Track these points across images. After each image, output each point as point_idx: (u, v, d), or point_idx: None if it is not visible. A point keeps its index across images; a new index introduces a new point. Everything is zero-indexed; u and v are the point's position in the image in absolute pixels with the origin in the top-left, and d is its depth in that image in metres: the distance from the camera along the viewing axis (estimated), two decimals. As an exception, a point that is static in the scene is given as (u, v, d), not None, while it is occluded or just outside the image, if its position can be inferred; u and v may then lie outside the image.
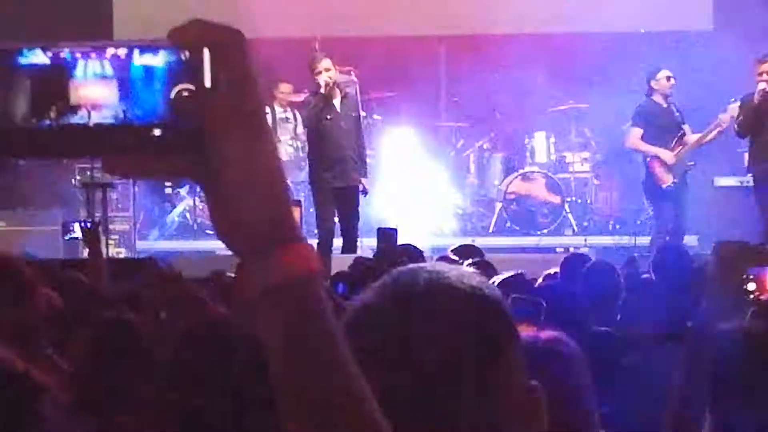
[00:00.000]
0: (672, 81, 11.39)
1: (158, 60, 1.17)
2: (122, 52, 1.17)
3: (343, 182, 10.44)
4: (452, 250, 7.58)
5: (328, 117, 10.32)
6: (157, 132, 1.15)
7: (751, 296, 2.81)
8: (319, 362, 1.18)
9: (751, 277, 2.80)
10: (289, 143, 13.04)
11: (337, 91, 10.46)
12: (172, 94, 1.15)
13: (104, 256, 7.48)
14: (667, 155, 11.26)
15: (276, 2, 14.28)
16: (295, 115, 13.20)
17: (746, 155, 11.04)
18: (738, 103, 10.83)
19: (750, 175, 11.05)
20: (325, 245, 10.22)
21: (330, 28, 13.36)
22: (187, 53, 1.16)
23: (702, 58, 12.82)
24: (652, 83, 11.42)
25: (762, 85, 10.48)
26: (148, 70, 1.16)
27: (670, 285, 5.97)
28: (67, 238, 9.53)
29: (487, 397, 1.47)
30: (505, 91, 13.81)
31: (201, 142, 1.16)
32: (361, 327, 1.49)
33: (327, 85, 10.32)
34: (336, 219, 10.70)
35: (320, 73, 10.32)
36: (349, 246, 10.46)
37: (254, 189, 1.17)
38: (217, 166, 1.16)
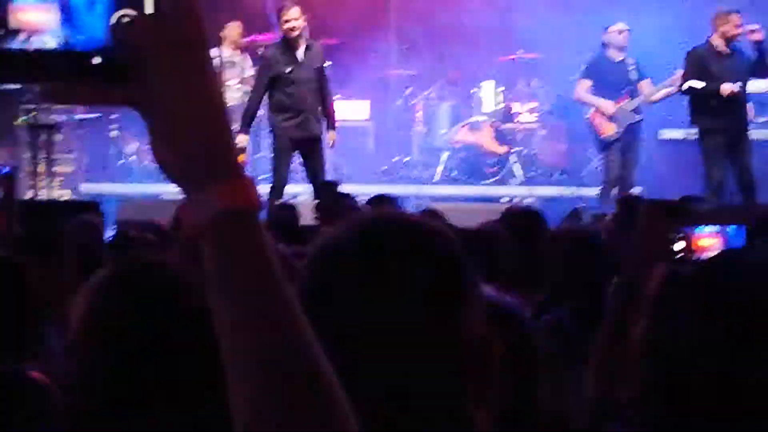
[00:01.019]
0: (624, 34, 11.35)
1: None
2: None
3: (303, 133, 10.33)
4: (368, 202, 7.37)
5: (292, 67, 10.20)
6: (97, 59, 1.13)
7: (679, 255, 2.81)
8: (261, 297, 1.15)
9: (681, 235, 2.81)
10: (237, 87, 12.91)
11: (303, 41, 10.34)
12: (113, 20, 1.13)
13: (16, 201, 7.31)
14: (607, 106, 11.26)
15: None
16: (244, 60, 13.10)
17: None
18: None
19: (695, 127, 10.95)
20: (278, 190, 10.21)
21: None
22: None
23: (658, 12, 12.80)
24: (604, 37, 11.41)
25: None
26: None
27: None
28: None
29: (452, 334, 1.48)
30: (454, 40, 13.78)
31: (141, 69, 1.14)
32: (331, 259, 1.51)
33: (295, 33, 10.21)
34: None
35: (289, 21, 10.20)
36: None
37: (192, 120, 1.15)
38: (156, 94, 1.15)
